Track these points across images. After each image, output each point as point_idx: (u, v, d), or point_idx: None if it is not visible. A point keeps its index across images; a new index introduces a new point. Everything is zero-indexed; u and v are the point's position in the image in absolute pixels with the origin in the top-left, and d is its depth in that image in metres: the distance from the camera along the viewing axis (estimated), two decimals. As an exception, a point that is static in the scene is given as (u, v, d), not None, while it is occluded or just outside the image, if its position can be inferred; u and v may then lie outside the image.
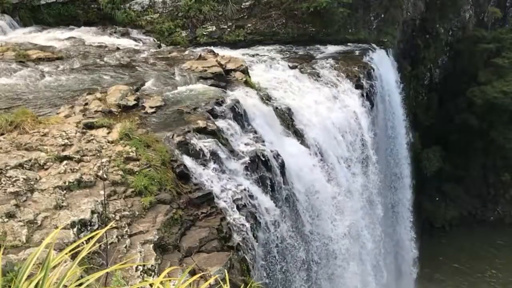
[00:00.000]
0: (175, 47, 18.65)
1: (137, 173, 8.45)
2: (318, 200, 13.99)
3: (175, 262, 7.41)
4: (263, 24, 21.44)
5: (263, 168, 11.49)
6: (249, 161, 10.94)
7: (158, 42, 19.52)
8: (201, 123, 10.59)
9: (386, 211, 22.14)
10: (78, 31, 18.95)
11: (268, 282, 10.77)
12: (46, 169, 7.90)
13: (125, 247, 7.00)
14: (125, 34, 19.34)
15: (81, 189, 7.67)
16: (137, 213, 7.79)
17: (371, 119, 18.84)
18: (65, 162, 8.14)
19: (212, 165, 9.95)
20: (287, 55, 19.78)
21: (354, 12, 22.29)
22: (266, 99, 14.25)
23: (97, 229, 6.81)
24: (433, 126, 31.33)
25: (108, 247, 6.64)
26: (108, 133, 9.38)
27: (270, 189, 11.55)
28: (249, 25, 21.29)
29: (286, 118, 14.52)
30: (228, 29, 21.11)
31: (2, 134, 8.61)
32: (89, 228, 6.82)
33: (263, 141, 11.99)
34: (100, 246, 6.34)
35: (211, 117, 11.17)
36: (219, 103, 11.84)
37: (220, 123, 11.26)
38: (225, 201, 9.54)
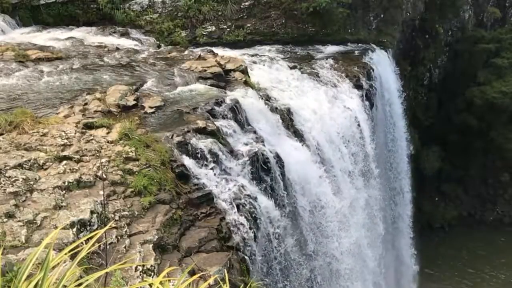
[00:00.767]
0: (174, 47, 18.64)
1: (136, 173, 8.45)
2: (324, 216, 13.64)
3: (174, 262, 7.41)
4: (263, 24, 21.43)
5: (262, 168, 11.49)
6: (249, 161, 10.94)
7: (158, 42, 19.51)
8: (201, 123, 10.59)
9: (387, 227, 21.75)
10: (78, 31, 18.93)
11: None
12: (46, 169, 7.90)
13: (125, 247, 7.00)
14: (124, 34, 19.32)
15: (81, 189, 7.67)
16: (136, 213, 7.79)
17: (372, 126, 18.49)
18: (64, 162, 8.13)
19: (211, 165, 9.96)
20: (287, 55, 19.77)
21: (353, 12, 22.29)
22: (266, 99, 14.24)
23: (97, 229, 6.81)
24: (432, 126, 31.34)
25: (108, 247, 6.63)
26: (108, 133, 9.38)
27: (270, 190, 11.55)
28: (249, 25, 21.29)
29: (286, 118, 14.52)
30: (228, 29, 21.10)
31: (2, 134, 8.60)
32: (88, 228, 6.82)
33: (263, 141, 11.98)
34: (99, 246, 6.34)
35: (210, 117, 11.17)
36: (219, 103, 11.84)
37: (220, 123, 11.26)
38: (224, 201, 9.54)
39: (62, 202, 7.20)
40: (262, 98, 13.76)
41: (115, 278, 5.15)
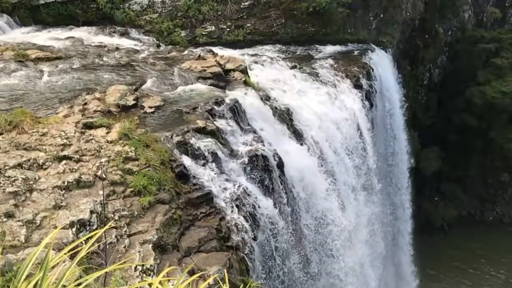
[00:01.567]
0: (174, 47, 18.64)
1: (136, 173, 8.45)
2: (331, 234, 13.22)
3: (174, 262, 7.41)
4: (263, 24, 21.43)
5: (262, 168, 11.49)
6: (248, 161, 10.94)
7: (157, 42, 19.51)
8: (200, 123, 10.59)
9: (387, 243, 21.39)
10: (77, 31, 18.92)
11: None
12: (45, 169, 7.90)
13: (124, 247, 7.00)
14: (124, 34, 19.32)
15: (80, 189, 7.67)
16: (136, 213, 7.79)
17: (372, 131, 18.17)
18: (64, 162, 8.13)
19: (211, 165, 9.95)
20: (287, 55, 19.78)
21: (353, 12, 22.29)
22: (266, 99, 14.24)
23: (96, 229, 6.81)
24: (432, 126, 31.34)
25: (107, 247, 6.63)
26: (107, 133, 9.38)
27: (270, 190, 11.53)
28: (249, 25, 21.28)
29: (285, 118, 14.52)
30: (228, 29, 21.10)
31: (1, 134, 8.60)
32: (88, 228, 6.82)
33: (262, 141, 11.98)
34: (99, 246, 6.34)
35: (210, 117, 11.17)
36: (218, 103, 11.84)
37: (219, 123, 11.26)
38: (224, 201, 9.54)
39: (61, 202, 7.20)
40: (262, 98, 13.76)
41: (115, 278, 5.15)
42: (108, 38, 18.42)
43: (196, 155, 9.87)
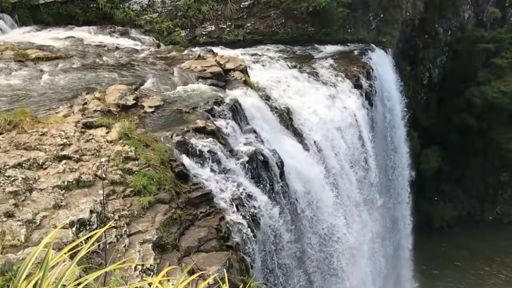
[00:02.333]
0: (174, 47, 18.63)
1: (136, 172, 8.44)
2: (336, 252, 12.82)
3: (174, 262, 7.41)
4: (262, 24, 21.44)
5: (262, 168, 11.48)
6: (248, 161, 10.93)
7: (157, 41, 19.51)
8: (200, 123, 10.58)
9: (387, 260, 21.06)
10: (77, 31, 18.93)
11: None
12: (45, 168, 7.89)
13: (124, 246, 7.00)
14: (124, 34, 19.33)
15: (80, 188, 7.66)
16: (136, 212, 7.78)
17: (373, 146, 17.84)
18: (64, 161, 8.13)
19: (211, 164, 9.95)
20: (286, 55, 19.79)
21: (353, 12, 22.30)
22: (265, 98, 14.24)
23: (96, 228, 6.81)
24: (432, 126, 31.33)
25: (107, 246, 6.64)
26: (107, 132, 9.38)
27: (270, 190, 11.53)
28: (248, 24, 21.30)
29: (285, 117, 14.52)
30: (227, 29, 21.11)
31: (1, 133, 8.59)
32: (88, 228, 6.82)
33: (262, 141, 11.98)
34: (99, 245, 6.34)
35: (210, 117, 11.17)
36: (218, 102, 11.84)
37: (219, 123, 11.26)
38: (224, 201, 9.54)
39: (61, 202, 7.20)
40: (262, 98, 13.75)
41: (115, 277, 5.16)
42: (108, 38, 18.42)
43: (196, 155, 9.87)
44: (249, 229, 9.55)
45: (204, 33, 20.82)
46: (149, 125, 10.44)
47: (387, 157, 21.30)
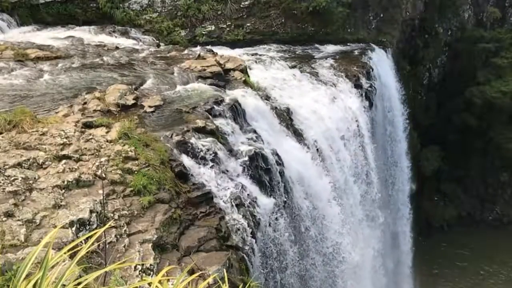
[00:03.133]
0: (174, 47, 18.64)
1: (136, 172, 8.44)
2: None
3: (173, 262, 7.40)
4: (262, 24, 21.45)
5: (262, 167, 11.47)
6: (248, 161, 10.92)
7: (157, 41, 19.51)
8: (200, 123, 10.58)
9: (388, 282, 20.73)
10: (77, 30, 18.93)
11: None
12: (45, 168, 7.89)
13: (124, 246, 6.99)
14: (124, 33, 19.33)
15: (80, 188, 7.66)
16: (136, 212, 7.78)
17: (375, 155, 17.62)
18: (63, 161, 8.12)
19: (211, 164, 9.95)
20: (286, 55, 19.79)
21: (353, 12, 22.32)
22: (265, 98, 14.24)
23: (96, 228, 6.81)
24: (432, 126, 31.35)
25: (107, 246, 6.63)
26: (107, 132, 9.37)
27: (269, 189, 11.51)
28: (248, 24, 21.30)
29: (285, 117, 14.51)
30: (227, 29, 21.11)
31: (1, 133, 8.59)
32: (87, 228, 6.81)
33: (262, 141, 11.97)
34: (98, 245, 6.34)
35: (210, 117, 11.16)
36: (218, 102, 11.83)
37: (219, 123, 11.25)
38: (224, 201, 9.53)
39: (61, 201, 7.19)
40: (261, 98, 13.74)
41: (114, 277, 5.15)
42: (108, 38, 18.42)
43: (196, 155, 9.86)
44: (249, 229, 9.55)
45: (204, 32, 20.82)
46: (149, 125, 10.44)
47: (387, 174, 21.03)
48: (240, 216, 9.58)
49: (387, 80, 21.60)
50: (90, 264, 5.78)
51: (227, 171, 10.33)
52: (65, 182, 7.58)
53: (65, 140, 8.68)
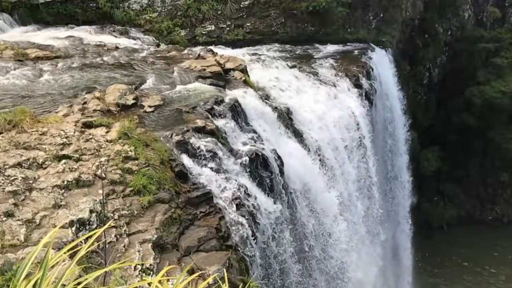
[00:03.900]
0: (174, 46, 18.63)
1: (135, 172, 8.43)
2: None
3: (173, 261, 7.40)
4: (262, 24, 21.45)
5: (262, 167, 11.47)
6: (248, 160, 10.92)
7: (157, 41, 19.51)
8: (200, 123, 10.57)
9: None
10: (77, 30, 18.92)
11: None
12: (45, 168, 7.88)
13: (124, 246, 6.99)
14: (124, 33, 19.32)
15: (80, 188, 7.65)
16: (135, 212, 7.78)
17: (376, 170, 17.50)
18: (63, 161, 8.12)
19: (211, 164, 9.94)
20: (286, 55, 19.79)
21: (353, 12, 22.32)
22: (265, 98, 14.24)
23: (96, 228, 6.80)
24: (431, 126, 31.37)
25: (107, 246, 6.62)
26: (107, 132, 9.37)
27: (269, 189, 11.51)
28: (248, 24, 21.30)
29: (285, 117, 14.51)
30: (227, 28, 21.11)
31: (1, 133, 8.58)
32: (87, 227, 6.80)
33: (262, 141, 11.96)
34: (98, 245, 6.33)
35: (210, 117, 11.16)
36: (218, 102, 11.82)
37: (219, 123, 11.24)
38: (224, 201, 9.53)
39: (61, 201, 7.18)
40: (261, 98, 13.74)
41: (114, 277, 5.15)
42: (107, 37, 18.40)
43: (196, 155, 9.86)
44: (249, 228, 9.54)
45: (204, 32, 20.82)
46: (149, 125, 10.43)
47: (387, 189, 20.81)
48: (240, 216, 9.57)
49: (387, 80, 21.61)
50: (90, 264, 5.78)
51: (227, 170, 10.32)
52: (65, 182, 7.57)
53: (65, 140, 8.67)
